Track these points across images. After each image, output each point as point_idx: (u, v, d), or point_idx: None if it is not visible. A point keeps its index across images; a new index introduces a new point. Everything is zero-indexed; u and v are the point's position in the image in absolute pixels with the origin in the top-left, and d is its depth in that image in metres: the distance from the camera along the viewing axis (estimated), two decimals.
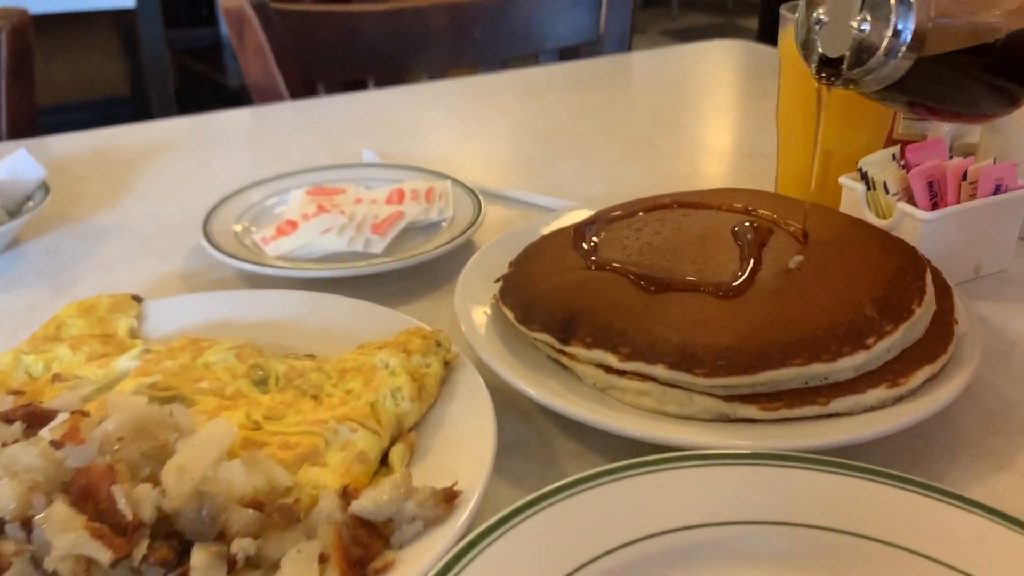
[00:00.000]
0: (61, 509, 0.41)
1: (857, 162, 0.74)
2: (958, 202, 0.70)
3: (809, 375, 0.53)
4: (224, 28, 3.42)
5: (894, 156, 0.74)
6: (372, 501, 0.44)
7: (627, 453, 0.53)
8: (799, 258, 0.60)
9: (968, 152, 0.84)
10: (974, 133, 0.91)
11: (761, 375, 0.52)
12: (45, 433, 0.46)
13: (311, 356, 0.59)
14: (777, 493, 0.47)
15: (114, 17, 3.43)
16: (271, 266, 0.73)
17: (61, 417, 0.46)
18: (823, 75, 0.60)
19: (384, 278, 0.76)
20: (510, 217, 0.88)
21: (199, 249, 0.81)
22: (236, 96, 3.09)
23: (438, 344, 0.57)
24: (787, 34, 0.80)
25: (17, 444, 0.45)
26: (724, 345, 0.53)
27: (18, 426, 0.47)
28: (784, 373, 0.52)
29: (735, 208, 0.68)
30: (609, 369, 0.55)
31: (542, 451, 0.56)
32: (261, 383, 0.55)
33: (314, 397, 0.54)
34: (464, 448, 0.50)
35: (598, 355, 0.55)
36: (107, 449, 0.44)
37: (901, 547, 0.44)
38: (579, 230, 0.68)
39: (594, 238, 0.66)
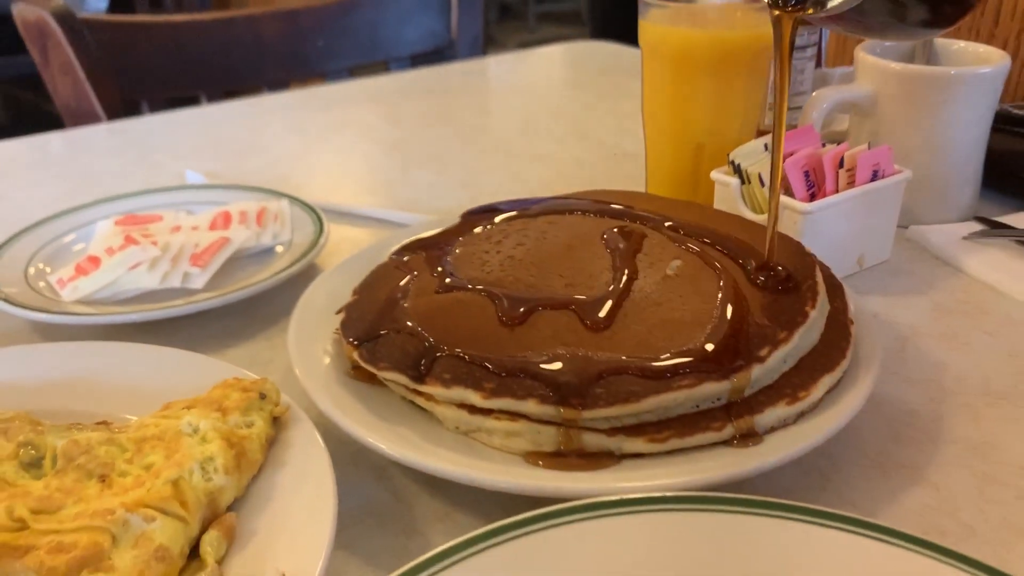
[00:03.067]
0: None
1: (728, 155, 0.69)
2: (836, 191, 0.66)
3: (700, 397, 0.46)
4: None
5: (766, 146, 0.69)
6: None
7: (501, 508, 0.44)
8: (677, 263, 0.53)
9: (838, 140, 0.81)
10: (841, 120, 0.88)
11: (645, 402, 0.44)
12: None
13: (104, 423, 0.47)
14: (675, 543, 0.39)
15: None
16: (67, 313, 0.61)
17: None
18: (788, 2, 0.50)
19: (207, 317, 0.65)
20: (358, 236, 0.78)
21: None
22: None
23: (262, 396, 0.47)
24: (649, 23, 0.74)
25: None
26: (600, 370, 0.45)
27: None
28: (671, 397, 0.45)
29: (605, 211, 0.61)
30: (473, 409, 0.46)
31: (400, 517, 0.46)
32: (34, 465, 0.43)
33: (102, 479, 0.42)
34: (299, 526, 0.40)
35: (459, 393, 0.46)
36: None
37: None
38: (432, 247, 0.60)
39: (450, 255, 0.57)
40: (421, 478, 0.48)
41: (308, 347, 0.54)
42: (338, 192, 0.89)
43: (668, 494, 0.41)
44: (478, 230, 0.61)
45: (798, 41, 0.82)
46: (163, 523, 0.39)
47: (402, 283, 0.55)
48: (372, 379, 0.51)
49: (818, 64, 0.90)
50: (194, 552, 0.40)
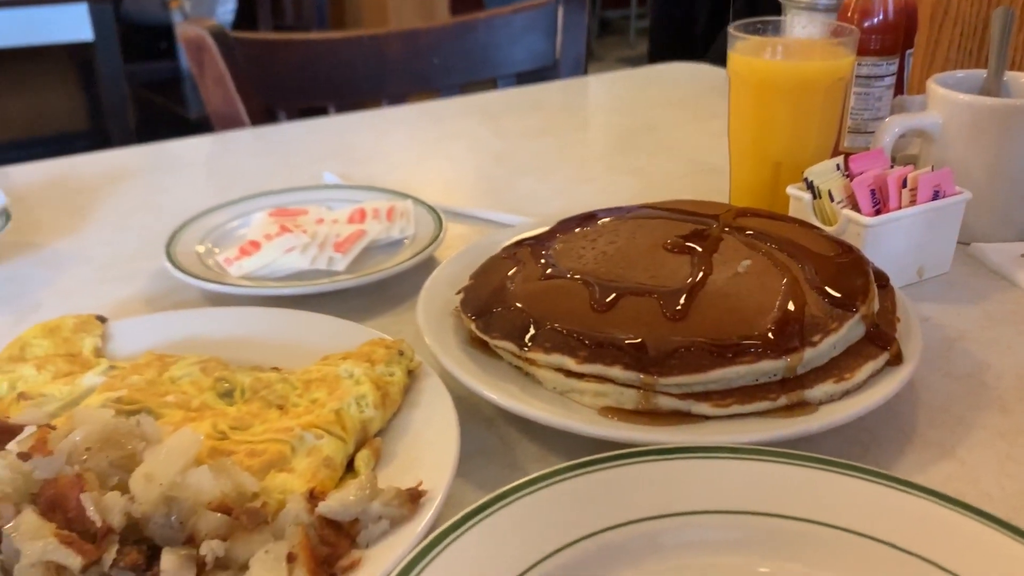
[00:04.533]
0: (30, 518, 0.41)
1: (803, 173, 0.78)
2: (899, 208, 0.73)
3: (759, 372, 0.55)
4: (184, 61, 3.42)
5: (838, 166, 0.78)
6: (338, 502, 0.45)
7: (587, 454, 0.54)
8: (747, 262, 0.63)
9: (910, 161, 0.88)
10: (915, 144, 0.95)
11: (712, 373, 0.54)
12: (12, 447, 0.46)
13: (276, 369, 0.60)
14: (730, 484, 0.49)
15: (71, 51, 3.41)
16: (234, 285, 0.74)
17: (28, 431, 0.47)
18: None
19: (347, 294, 0.77)
20: (469, 234, 0.90)
21: (161, 272, 0.82)
22: (197, 128, 3.08)
23: (401, 354, 0.58)
24: (735, 53, 0.83)
25: None
26: (676, 345, 0.55)
27: None
28: (734, 371, 0.54)
29: (688, 218, 0.70)
30: (568, 372, 0.57)
31: (505, 455, 0.57)
32: (227, 395, 0.56)
33: (280, 407, 0.55)
34: (428, 452, 0.52)
35: (557, 359, 0.57)
36: (75, 460, 0.45)
37: (850, 530, 0.46)
38: (537, 242, 0.70)
39: (551, 250, 0.68)
40: (522, 426, 0.59)
41: (434, 319, 0.65)
42: (451, 195, 1.01)
43: (727, 445, 0.50)
44: (577, 230, 0.71)
45: (875, 71, 0.90)
46: (329, 440, 0.51)
47: (511, 271, 0.66)
48: (484, 347, 0.62)
49: (900, 91, 0.97)
50: (349, 466, 0.52)
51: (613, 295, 0.60)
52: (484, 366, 0.61)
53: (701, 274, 0.61)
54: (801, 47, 0.84)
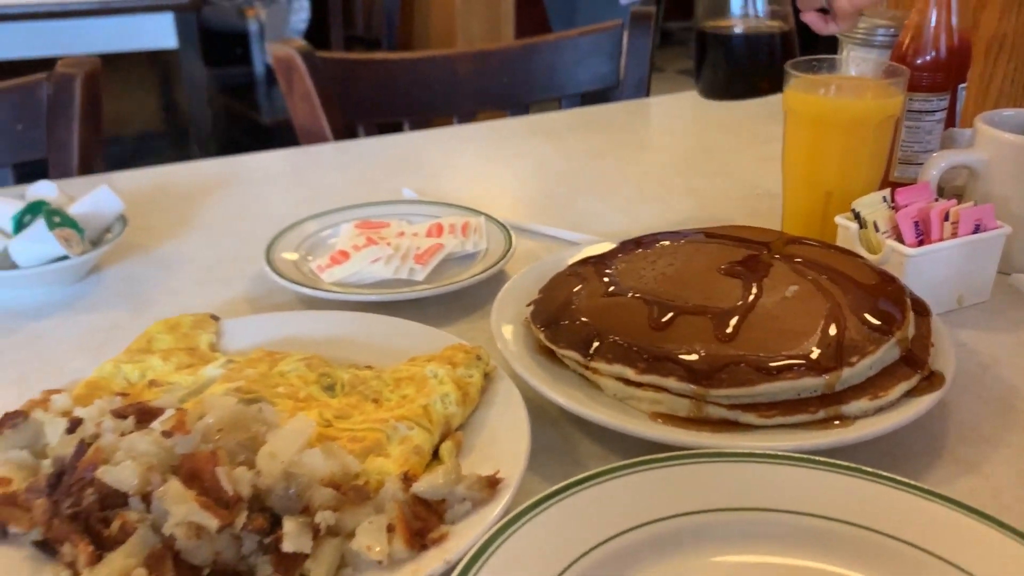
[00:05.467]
0: (175, 486, 0.50)
1: (851, 204, 0.83)
2: (941, 240, 0.79)
3: (800, 388, 0.61)
4: (258, 67, 3.57)
5: (885, 199, 0.83)
6: (429, 484, 0.52)
7: (642, 454, 0.61)
8: (795, 287, 0.69)
9: (957, 192, 0.93)
10: (962, 176, 1.00)
11: (758, 387, 0.61)
12: (156, 426, 0.55)
13: (369, 367, 0.68)
14: (772, 485, 0.55)
15: (151, 55, 3.58)
16: (327, 291, 0.83)
17: (168, 413, 0.55)
18: None
19: (426, 302, 0.84)
20: (536, 249, 0.97)
21: (261, 276, 0.91)
22: (270, 132, 3.22)
23: (478, 358, 0.66)
24: (791, 90, 0.89)
25: (133, 434, 0.54)
26: (727, 361, 0.61)
27: (131, 420, 0.56)
28: (779, 386, 0.61)
29: (741, 244, 0.77)
30: (627, 381, 0.64)
31: (568, 453, 0.64)
32: (329, 389, 0.64)
33: (375, 401, 0.62)
34: (503, 446, 0.59)
35: (617, 369, 0.64)
36: (208, 439, 0.53)
37: (878, 531, 0.52)
38: (600, 261, 0.77)
39: (614, 269, 0.75)
40: (584, 427, 0.66)
41: (506, 328, 0.72)
42: (518, 211, 1.08)
43: (768, 451, 0.57)
44: (637, 251, 0.78)
45: (926, 106, 0.95)
46: (418, 431, 0.59)
47: (576, 287, 0.73)
48: (551, 355, 0.70)
49: (951, 123, 1.02)
50: (435, 455, 0.59)
51: (670, 314, 0.66)
52: (551, 372, 0.68)
53: (752, 297, 0.68)
54: (854, 85, 0.90)
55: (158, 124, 4.12)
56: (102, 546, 0.49)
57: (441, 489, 0.52)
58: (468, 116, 1.52)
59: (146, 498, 0.51)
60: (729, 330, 0.64)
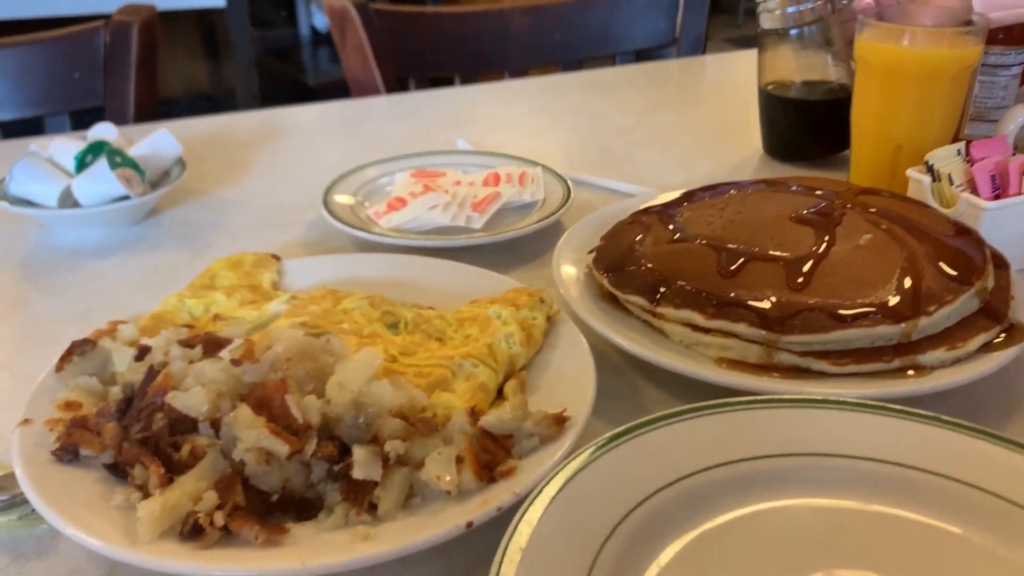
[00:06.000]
0: (245, 411, 0.49)
1: (924, 157, 0.80)
2: (1019, 194, 0.76)
3: (875, 336, 0.59)
4: (303, 29, 3.56)
5: (959, 152, 0.80)
6: (497, 418, 0.52)
7: (707, 398, 0.60)
8: (868, 236, 0.67)
9: None
10: None
11: (832, 334, 0.59)
12: (224, 354, 0.55)
13: (431, 308, 0.67)
14: (845, 432, 0.53)
15: (198, 16, 3.59)
16: (385, 235, 0.82)
17: (236, 342, 0.55)
18: None
19: (482, 250, 0.84)
20: (594, 201, 0.96)
21: (317, 222, 0.91)
22: (315, 94, 3.22)
23: (542, 301, 0.65)
24: (863, 39, 0.86)
25: (202, 362, 0.54)
26: (800, 307, 0.60)
27: (199, 349, 0.56)
28: (853, 334, 0.59)
29: (812, 192, 0.74)
30: (695, 327, 0.62)
31: (633, 398, 0.63)
32: (393, 327, 0.64)
33: (438, 339, 0.62)
34: (567, 387, 0.58)
35: (685, 314, 0.62)
36: (277, 368, 0.53)
37: (955, 479, 0.51)
38: (664, 210, 0.76)
39: (679, 217, 0.73)
40: (648, 373, 0.65)
41: (568, 275, 0.71)
42: (575, 164, 1.06)
43: (839, 398, 0.55)
44: (703, 200, 0.76)
45: (1002, 60, 0.91)
46: (483, 369, 0.58)
47: (640, 235, 0.72)
48: (614, 301, 0.68)
49: None
50: (498, 395, 0.59)
51: (740, 260, 0.65)
52: (614, 317, 0.67)
53: (824, 245, 0.66)
54: (929, 35, 0.86)
55: (204, 86, 4.14)
56: (172, 470, 0.49)
57: (509, 424, 0.52)
58: (520, 72, 1.50)
59: (215, 424, 0.51)
60: (801, 277, 0.63)
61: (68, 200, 0.86)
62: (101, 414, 0.53)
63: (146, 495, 0.49)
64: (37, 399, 0.56)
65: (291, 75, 3.47)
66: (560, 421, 0.53)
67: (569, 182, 0.93)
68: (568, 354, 0.61)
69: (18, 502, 0.52)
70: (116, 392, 0.56)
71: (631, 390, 0.64)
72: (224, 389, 0.52)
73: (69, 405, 0.54)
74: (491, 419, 0.52)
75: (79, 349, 0.58)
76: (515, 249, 0.85)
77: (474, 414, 0.53)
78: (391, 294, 0.69)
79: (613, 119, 1.23)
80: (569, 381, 0.59)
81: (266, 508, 0.49)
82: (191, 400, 0.51)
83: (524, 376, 0.60)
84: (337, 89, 1.42)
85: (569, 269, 0.72)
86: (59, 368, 0.58)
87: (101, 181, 0.85)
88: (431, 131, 1.19)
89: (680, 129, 1.18)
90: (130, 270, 0.83)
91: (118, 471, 0.51)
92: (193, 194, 0.99)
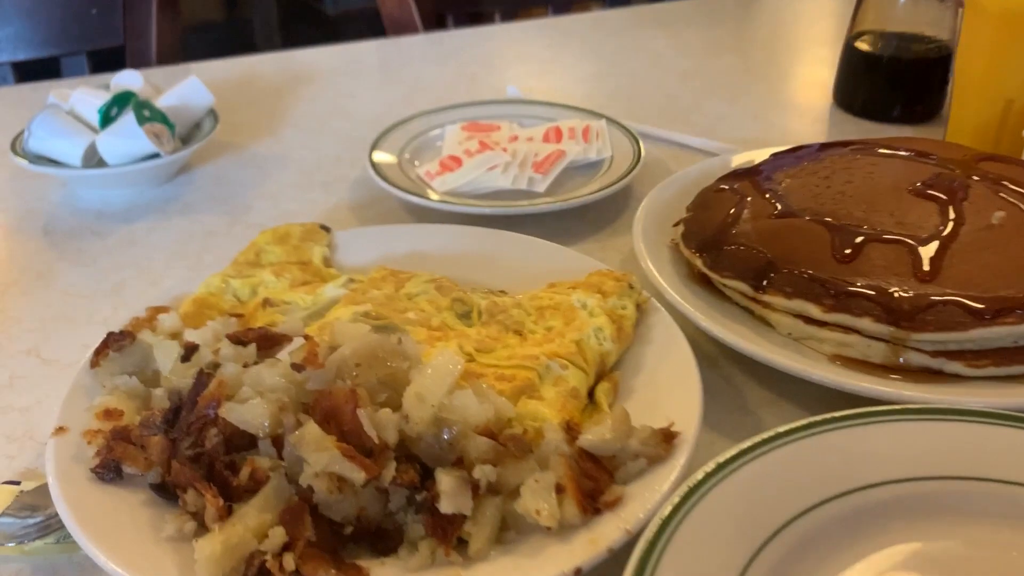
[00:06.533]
0: (312, 430, 0.43)
1: None
2: None
3: (1019, 334, 0.52)
4: None
5: None
6: (599, 437, 0.45)
7: (820, 403, 0.53)
8: (1001, 214, 0.59)
9: None
10: None
11: (972, 332, 0.51)
12: (284, 356, 0.48)
13: (503, 292, 0.60)
14: (992, 451, 0.46)
15: None
16: (442, 202, 0.74)
17: (296, 342, 0.48)
18: None
19: (546, 216, 0.76)
20: (664, 158, 0.87)
21: (363, 180, 0.83)
22: (335, 24, 3.10)
23: (631, 287, 0.57)
24: None
25: (260, 365, 0.47)
26: (934, 301, 0.52)
27: (252, 348, 0.49)
28: (995, 331, 0.51)
29: (926, 158, 0.66)
30: (808, 319, 0.55)
31: (733, 397, 0.56)
32: (464, 317, 0.57)
33: (517, 332, 0.55)
34: (667, 390, 0.51)
35: (799, 305, 0.55)
36: (345, 374, 0.46)
37: None
38: (757, 176, 0.68)
39: (779, 185, 0.65)
40: (747, 368, 0.58)
41: (651, 252, 0.64)
42: (636, 114, 0.97)
43: (982, 408, 0.48)
44: (802, 165, 0.68)
45: None
46: (573, 371, 0.51)
47: (735, 206, 0.64)
48: (706, 283, 0.61)
49: None
50: (588, 398, 0.52)
51: (859, 240, 0.57)
52: (708, 303, 0.59)
53: (952, 224, 0.58)
54: None
55: (218, 14, 4.01)
56: (229, 496, 0.43)
57: (612, 444, 0.45)
58: (563, 7, 1.40)
59: (277, 441, 0.44)
60: (929, 264, 0.55)
61: (93, 158, 0.79)
62: (146, 425, 0.47)
63: (200, 523, 0.43)
64: (72, 402, 0.50)
65: (310, 4, 3.33)
66: (668, 438, 0.46)
67: (638, 137, 0.84)
68: (664, 351, 0.54)
69: (55, 525, 0.46)
70: (160, 396, 0.50)
71: (731, 388, 0.57)
72: (286, 400, 0.45)
73: (109, 414, 0.48)
74: (592, 439, 0.45)
75: (116, 343, 0.52)
76: (582, 215, 0.77)
77: (570, 430, 0.46)
78: (455, 273, 0.62)
79: (673, 62, 1.13)
80: (668, 384, 0.52)
81: (338, 541, 0.43)
82: (249, 414, 0.44)
83: (617, 379, 0.53)
84: (360, 20, 1.32)
85: (650, 246, 0.65)
86: (94, 364, 0.52)
87: (129, 137, 0.77)
88: (476, 75, 1.10)
89: (746, 75, 1.09)
90: (162, 236, 0.76)
91: (167, 492, 0.45)
92: (226, 148, 0.91)
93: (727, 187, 0.67)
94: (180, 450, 0.45)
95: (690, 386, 0.50)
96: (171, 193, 0.83)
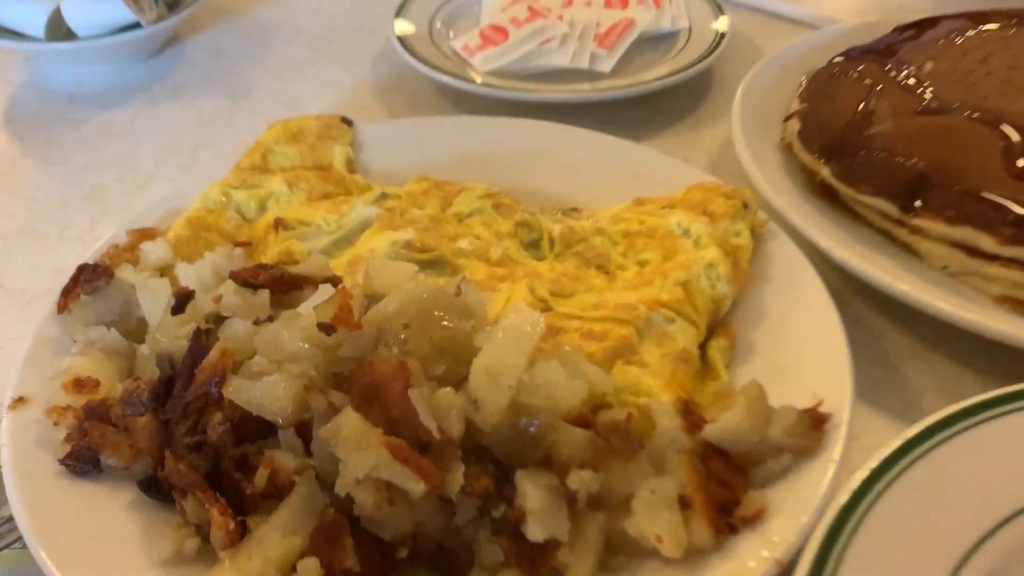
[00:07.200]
0: (352, 420, 0.32)
1: None
2: None
3: None
4: None
5: None
6: (732, 428, 0.34)
7: (981, 357, 0.42)
8: None
9: None
10: None
11: None
12: (306, 310, 0.36)
13: (575, 210, 0.47)
14: None
15: None
16: (487, 87, 0.61)
17: (322, 291, 0.36)
18: None
19: (613, 104, 0.62)
20: (750, 30, 0.72)
21: (385, 55, 0.69)
22: None
23: (745, 206, 0.45)
24: None
25: (275, 324, 0.35)
26: None
27: (264, 295, 0.38)
28: None
29: None
30: (973, 252, 0.43)
31: (869, 346, 0.45)
32: (532, 246, 0.44)
33: (601, 268, 0.43)
34: (802, 349, 0.40)
35: (965, 234, 0.43)
36: (390, 337, 0.34)
37: None
38: (885, 56, 0.54)
39: (920, 69, 0.51)
40: (887, 309, 0.46)
41: (759, 156, 0.51)
42: None
43: None
44: (945, 43, 0.54)
45: None
46: (680, 325, 0.39)
47: (866, 97, 0.50)
48: (829, 195, 0.49)
49: None
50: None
51: None
52: (832, 220, 0.47)
53: None
54: None
55: None
56: (242, 505, 0.32)
57: (748, 436, 0.34)
58: None
59: (302, 429, 0.33)
60: None
61: (59, 28, 0.65)
62: (129, 402, 0.36)
63: (204, 538, 0.33)
64: (35, 362, 0.39)
65: None
66: (817, 423, 0.35)
67: (721, 4, 0.69)
68: (790, 291, 0.42)
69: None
70: (146, 356, 0.38)
71: (863, 333, 0.46)
72: (313, 374, 0.34)
73: (80, 384, 0.37)
74: (723, 430, 0.34)
75: (88, 283, 0.40)
76: (655, 101, 0.63)
77: (689, 413, 0.35)
78: (511, 180, 0.50)
79: None
80: (801, 339, 0.40)
81: (389, 566, 0.32)
82: (266, 396, 0.33)
83: (734, 332, 0.41)
84: None
85: (753, 145, 0.52)
86: (62, 307, 0.40)
87: (100, 2, 0.63)
88: None
89: None
90: (149, 124, 0.63)
91: (159, 492, 0.35)
92: (221, 15, 0.76)
93: (849, 70, 0.53)
94: (175, 436, 0.34)
95: (833, 344, 0.39)
96: (157, 70, 0.69)
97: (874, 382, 0.43)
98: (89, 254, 0.44)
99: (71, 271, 0.41)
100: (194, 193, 0.48)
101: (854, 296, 0.47)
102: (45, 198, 0.56)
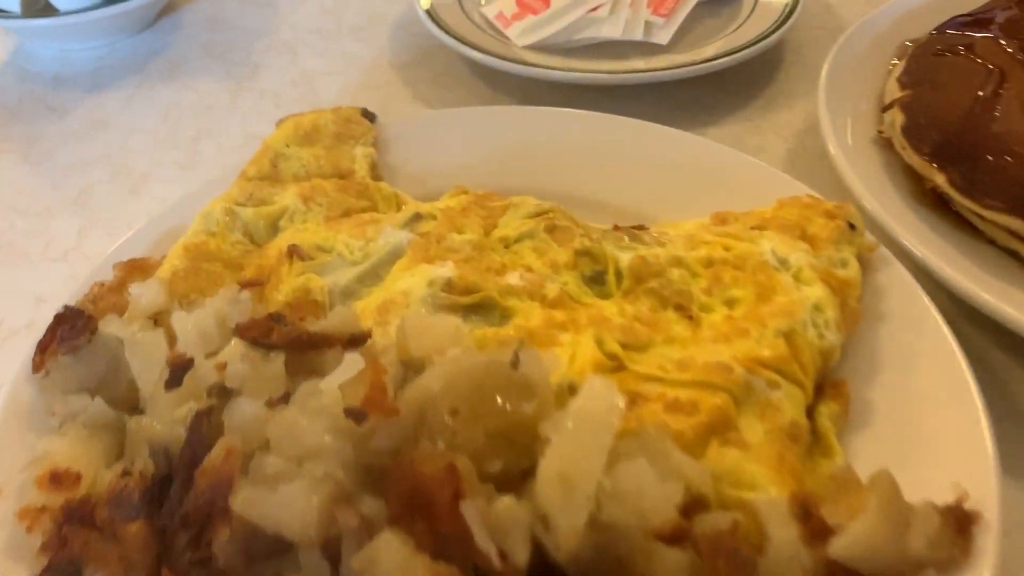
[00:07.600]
0: (391, 545, 0.25)
1: None
2: None
3: None
4: None
5: None
6: (865, 542, 0.27)
7: None
8: None
9: None
10: None
11: None
12: (328, 386, 0.29)
13: (642, 227, 0.40)
14: None
15: None
16: (528, 65, 0.53)
17: (349, 360, 0.29)
18: None
19: (672, 83, 0.54)
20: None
21: (406, 24, 0.62)
22: None
23: (851, 227, 0.37)
24: None
25: (292, 408, 0.29)
26: None
27: (278, 364, 0.31)
28: None
29: None
30: None
31: (996, 391, 0.38)
32: (596, 280, 0.37)
33: (680, 309, 0.35)
34: (922, 410, 0.33)
35: None
36: (435, 428, 0.28)
37: None
38: (1004, 33, 0.45)
39: None
40: (1010, 343, 0.39)
41: (853, 154, 0.43)
42: None
43: None
44: None
45: None
46: (787, 391, 0.32)
47: (984, 83, 0.42)
48: (942, 203, 0.41)
49: None
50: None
51: None
52: (944, 235, 0.40)
53: None
54: None
55: None
56: None
57: (885, 551, 0.27)
58: None
59: (329, 548, 0.27)
60: None
61: (36, 1, 0.57)
62: (118, 503, 0.29)
63: None
64: (6, 439, 0.32)
65: None
66: (963, 525, 0.28)
67: None
68: (906, 328, 0.35)
69: None
70: (137, 432, 0.32)
71: (986, 373, 0.38)
72: (340, 476, 0.27)
73: (58, 479, 0.30)
74: (853, 545, 0.27)
75: (67, 341, 0.33)
76: (720, 80, 0.55)
77: (809, 519, 0.28)
78: (561, 187, 0.42)
79: None
80: (926, 399, 0.33)
81: None
82: (284, 512, 0.26)
83: (846, 390, 0.34)
84: None
85: (852, 145, 0.44)
86: (38, 365, 0.34)
87: None
88: None
89: None
90: (142, 111, 0.56)
91: None
92: None
93: (960, 47, 0.45)
94: (175, 548, 0.28)
95: (966, 408, 0.32)
96: (151, 44, 0.61)
97: (1006, 438, 0.36)
98: (69, 293, 0.37)
99: (55, 299, 0.35)
100: (194, 204, 0.41)
101: (967, 323, 0.40)
102: (25, 206, 0.49)
